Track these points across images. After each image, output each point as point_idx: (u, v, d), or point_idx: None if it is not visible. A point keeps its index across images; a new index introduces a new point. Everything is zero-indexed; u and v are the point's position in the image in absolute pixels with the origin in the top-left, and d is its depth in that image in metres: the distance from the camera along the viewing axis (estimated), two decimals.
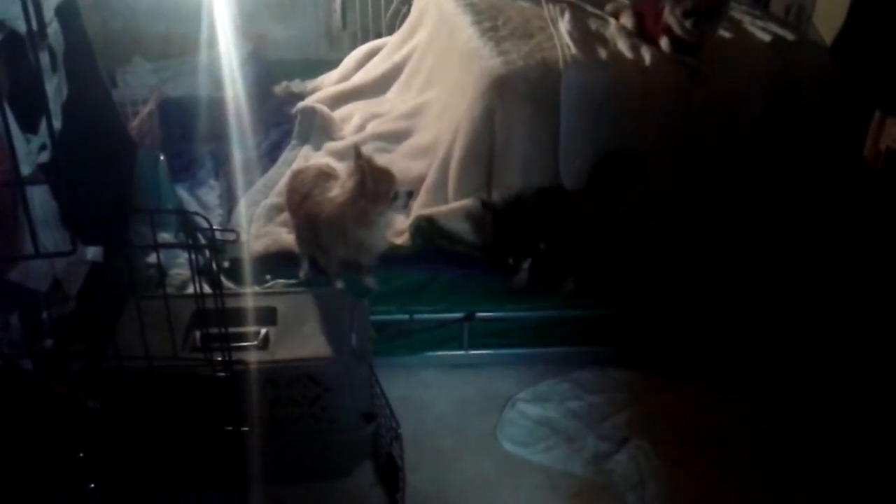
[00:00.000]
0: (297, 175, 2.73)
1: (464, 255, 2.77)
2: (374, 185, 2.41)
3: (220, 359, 1.84)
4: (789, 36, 3.11)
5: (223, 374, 1.82)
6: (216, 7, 3.44)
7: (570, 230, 2.66)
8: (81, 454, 1.85)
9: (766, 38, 3.09)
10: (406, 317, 2.62)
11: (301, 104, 3.67)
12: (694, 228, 2.82)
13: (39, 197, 1.76)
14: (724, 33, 3.07)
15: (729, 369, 2.60)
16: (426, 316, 2.63)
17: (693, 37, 2.85)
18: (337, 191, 2.49)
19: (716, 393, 2.53)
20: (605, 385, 2.55)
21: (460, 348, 2.66)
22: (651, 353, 2.66)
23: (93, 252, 2.06)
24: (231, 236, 1.94)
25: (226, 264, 2.68)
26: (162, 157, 2.88)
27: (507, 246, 2.67)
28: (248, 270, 2.65)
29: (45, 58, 1.69)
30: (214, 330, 1.88)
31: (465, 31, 3.17)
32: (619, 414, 2.44)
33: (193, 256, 1.76)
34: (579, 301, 2.67)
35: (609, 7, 3.34)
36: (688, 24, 2.82)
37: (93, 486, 1.86)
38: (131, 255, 1.99)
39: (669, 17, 2.88)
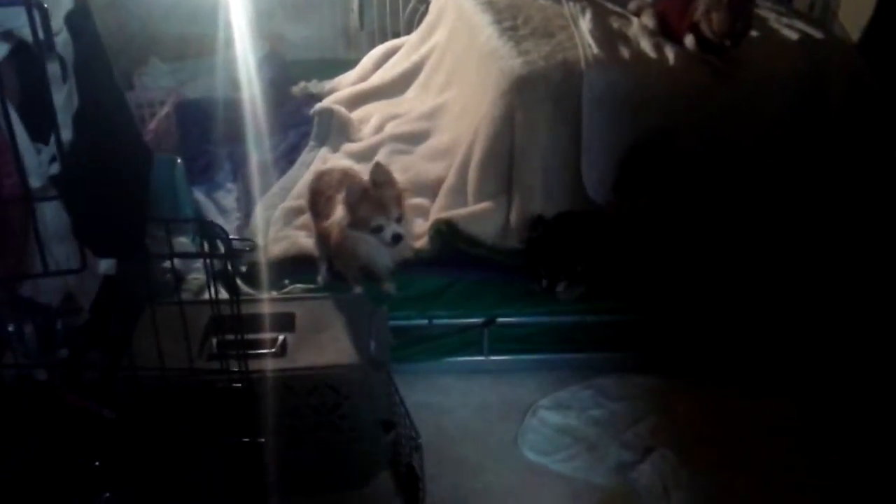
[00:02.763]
0: (321, 177, 2.66)
1: (484, 259, 2.72)
2: (371, 209, 2.36)
3: (236, 369, 1.82)
4: (816, 34, 3.04)
5: (239, 384, 1.80)
6: (233, 7, 3.41)
7: (611, 254, 2.64)
8: (97, 463, 1.84)
9: (794, 35, 3.02)
10: (425, 322, 2.60)
11: (319, 105, 3.64)
12: (719, 230, 2.77)
13: (51, 209, 1.74)
14: (751, 32, 3.00)
15: (755, 375, 2.55)
16: (446, 321, 2.60)
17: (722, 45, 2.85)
18: (340, 213, 2.43)
19: (742, 399, 2.48)
20: (628, 392, 2.50)
21: (480, 354, 2.62)
22: (675, 359, 2.61)
23: (105, 266, 2.03)
24: (248, 245, 1.92)
25: (243, 269, 2.65)
26: (179, 161, 2.85)
27: (544, 266, 2.63)
28: (265, 275, 2.62)
29: (54, 67, 1.66)
30: (231, 337, 1.85)
31: (485, 30, 3.13)
32: (643, 422, 2.39)
33: (210, 262, 1.74)
34: (601, 306, 2.62)
35: (632, 5, 3.28)
36: (727, 42, 2.82)
37: (108, 495, 1.85)
38: (147, 265, 1.97)
39: (701, 18, 2.83)
